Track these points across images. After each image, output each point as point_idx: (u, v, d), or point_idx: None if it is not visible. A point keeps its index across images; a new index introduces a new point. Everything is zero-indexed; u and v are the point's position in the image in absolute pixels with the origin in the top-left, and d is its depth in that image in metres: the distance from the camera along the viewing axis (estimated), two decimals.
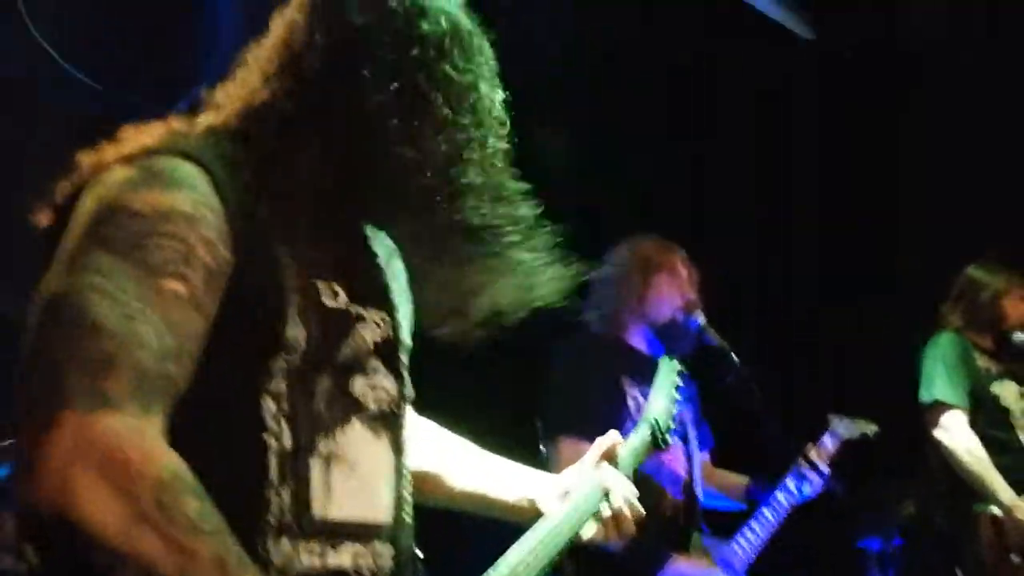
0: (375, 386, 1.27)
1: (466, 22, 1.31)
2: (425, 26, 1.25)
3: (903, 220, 4.95)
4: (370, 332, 1.27)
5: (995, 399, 3.60)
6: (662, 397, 1.84)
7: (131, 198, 1.11)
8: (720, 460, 3.06)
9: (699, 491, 2.78)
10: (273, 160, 1.21)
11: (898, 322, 4.41)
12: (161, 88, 4.87)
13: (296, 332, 1.18)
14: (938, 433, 3.54)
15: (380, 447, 1.27)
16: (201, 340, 1.12)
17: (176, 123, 1.26)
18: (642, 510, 1.60)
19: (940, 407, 3.56)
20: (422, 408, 1.54)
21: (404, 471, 1.32)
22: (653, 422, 1.77)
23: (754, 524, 2.74)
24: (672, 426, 1.81)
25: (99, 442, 0.99)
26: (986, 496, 3.45)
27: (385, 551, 1.26)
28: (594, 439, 2.61)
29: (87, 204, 1.13)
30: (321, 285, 1.23)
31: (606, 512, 1.57)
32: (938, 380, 3.59)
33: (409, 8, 1.26)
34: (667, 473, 2.74)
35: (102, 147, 1.20)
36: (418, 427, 1.56)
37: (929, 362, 3.65)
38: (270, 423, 1.16)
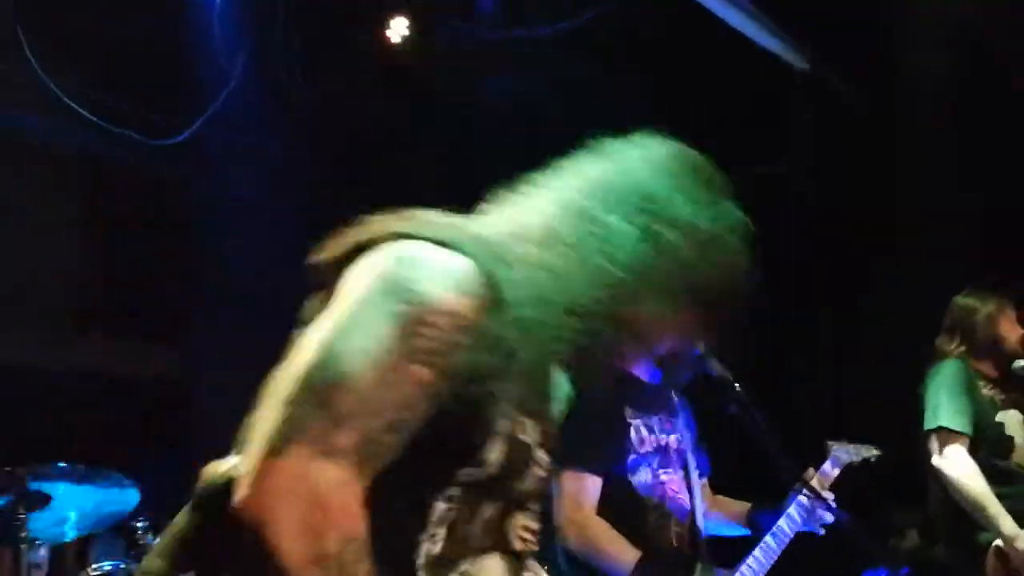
0: (527, 527, 1.36)
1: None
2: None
3: (900, 249, 4.99)
4: (540, 472, 1.37)
5: (999, 428, 3.60)
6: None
7: (428, 290, 1.20)
8: (721, 488, 3.06)
9: (701, 520, 2.77)
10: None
11: (897, 348, 4.43)
12: (163, 127, 4.93)
13: (493, 456, 1.26)
14: (939, 461, 3.53)
15: None
16: (421, 425, 1.20)
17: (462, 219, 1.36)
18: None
19: (943, 434, 3.56)
20: None
21: None
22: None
23: (757, 553, 2.72)
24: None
25: (313, 483, 1.11)
26: (987, 525, 3.43)
27: None
28: (597, 472, 2.66)
29: (380, 265, 1.23)
30: (521, 417, 1.31)
31: None
32: (942, 407, 3.58)
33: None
34: (670, 502, 2.73)
35: (386, 217, 1.31)
36: None
37: (933, 389, 3.64)
38: (432, 526, 1.25)
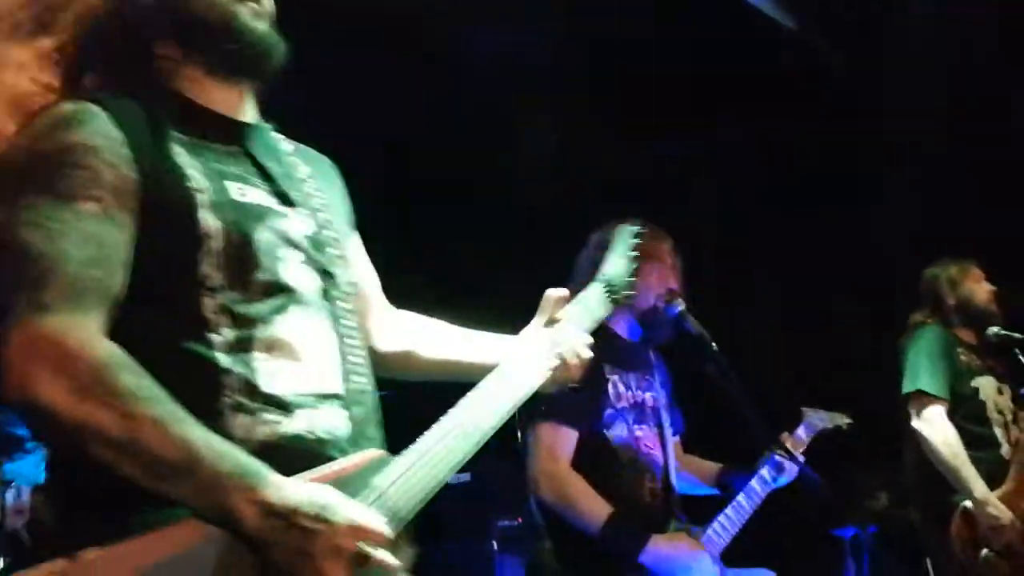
0: (304, 276, 1.45)
1: None
2: None
3: (874, 222, 5.01)
4: (294, 227, 1.47)
5: (975, 393, 3.64)
6: (618, 257, 1.87)
7: (43, 142, 1.34)
8: (696, 447, 3.08)
9: (674, 477, 2.79)
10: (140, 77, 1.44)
11: (870, 316, 4.46)
12: None
13: (209, 223, 1.36)
14: (917, 423, 3.57)
15: (320, 329, 1.44)
16: (124, 249, 1.32)
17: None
18: (588, 354, 1.71)
19: (921, 397, 3.59)
20: None
21: (349, 348, 1.47)
22: (606, 280, 1.81)
23: (729, 511, 2.74)
24: (629, 285, 1.85)
25: (42, 339, 1.23)
26: (960, 488, 3.48)
27: (339, 417, 1.42)
28: (573, 425, 2.67)
29: (14, 153, 1.36)
30: (230, 184, 1.42)
31: (554, 362, 1.68)
32: (921, 371, 3.62)
33: None
34: (645, 457, 2.75)
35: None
36: (397, 315, 1.76)
37: (913, 354, 3.67)
38: (211, 317, 1.35)
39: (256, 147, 1.51)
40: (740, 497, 2.76)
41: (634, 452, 2.73)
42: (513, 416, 2.73)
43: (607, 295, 1.84)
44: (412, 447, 1.43)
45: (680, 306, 2.76)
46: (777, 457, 2.75)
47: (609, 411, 2.73)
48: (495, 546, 4.22)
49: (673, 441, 2.93)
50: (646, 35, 4.62)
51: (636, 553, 2.56)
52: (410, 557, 1.40)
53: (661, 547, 2.58)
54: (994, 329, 3.69)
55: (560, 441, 2.67)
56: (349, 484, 1.35)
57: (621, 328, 2.89)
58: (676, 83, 4.72)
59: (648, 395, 2.82)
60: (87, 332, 1.25)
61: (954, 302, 3.74)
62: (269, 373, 1.36)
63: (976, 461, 3.50)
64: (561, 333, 1.69)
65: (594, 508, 2.61)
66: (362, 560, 1.28)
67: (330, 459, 1.39)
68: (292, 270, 1.43)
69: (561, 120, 4.81)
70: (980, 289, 3.75)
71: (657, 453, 2.76)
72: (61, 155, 1.32)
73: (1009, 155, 4.66)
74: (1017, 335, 3.66)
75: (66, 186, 1.30)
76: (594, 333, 2.79)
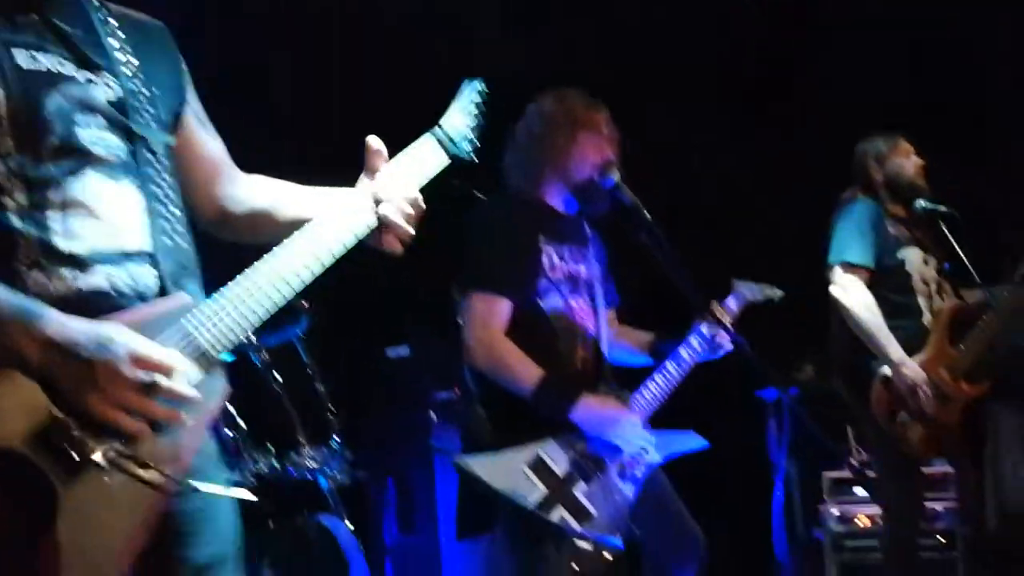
0: (104, 139, 1.48)
1: None
2: None
3: (808, 103, 5.02)
4: (94, 91, 1.49)
5: (900, 264, 3.71)
6: (459, 112, 1.74)
7: None
8: (630, 318, 3.12)
9: (605, 346, 2.83)
10: None
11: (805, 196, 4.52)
12: None
13: None
14: (837, 291, 3.65)
15: (123, 190, 1.49)
16: None
17: None
18: (421, 207, 1.64)
19: (845, 267, 3.66)
20: None
21: (160, 208, 1.52)
22: (442, 133, 1.70)
23: (657, 377, 2.80)
24: (469, 140, 1.73)
25: None
26: (877, 353, 3.58)
27: (146, 273, 1.49)
28: (505, 294, 2.69)
29: None
30: (18, 52, 1.43)
31: (372, 220, 1.62)
32: (847, 242, 3.68)
33: None
34: (578, 327, 2.79)
35: None
36: (245, 179, 1.75)
37: (841, 226, 3.73)
38: (2, 184, 1.39)
39: (58, 14, 1.50)
40: (668, 364, 2.81)
41: (568, 321, 2.77)
42: (450, 289, 2.78)
43: (443, 150, 1.72)
44: (219, 293, 1.49)
45: (615, 176, 2.76)
46: (705, 326, 2.80)
47: (543, 281, 2.75)
48: (433, 416, 4.29)
49: (607, 313, 2.97)
50: None
51: (567, 411, 2.62)
52: (222, 393, 1.47)
53: (592, 406, 2.64)
54: (921, 202, 3.75)
55: (493, 310, 2.69)
56: (151, 326, 1.42)
57: (555, 201, 2.88)
58: None
59: (582, 267, 2.85)
60: None
61: (882, 177, 3.78)
62: (65, 232, 1.41)
63: (898, 329, 3.60)
64: (385, 188, 1.61)
65: (526, 371, 2.65)
66: (149, 389, 1.36)
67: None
68: (89, 134, 1.46)
69: None
70: (908, 163, 3.79)
71: (590, 323, 2.81)
72: None
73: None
74: (942, 208, 3.72)
75: None
76: (529, 205, 2.82)
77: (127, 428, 1.36)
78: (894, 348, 3.55)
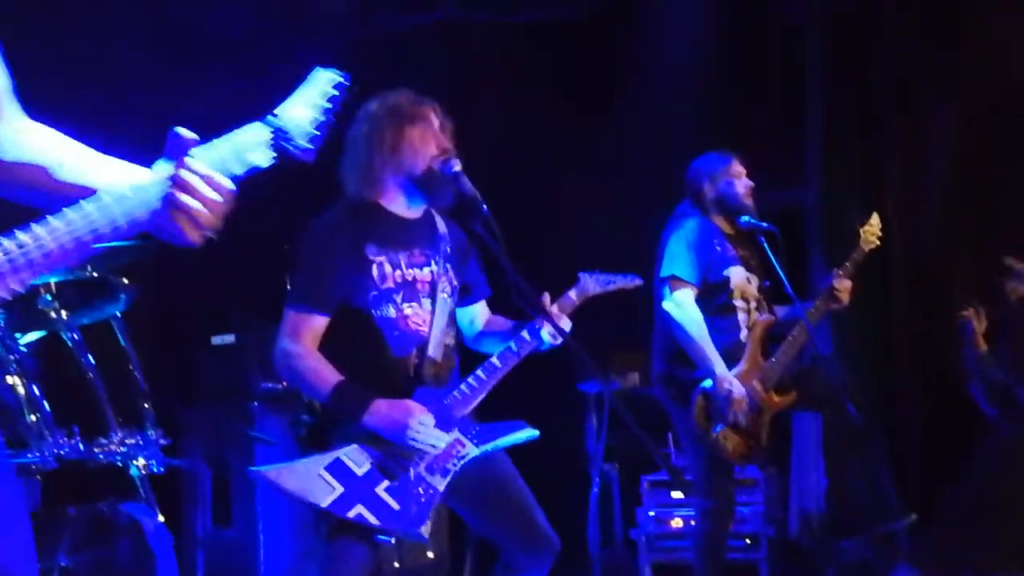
0: None
1: None
2: None
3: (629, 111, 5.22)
4: None
5: (725, 282, 3.86)
6: (302, 103, 1.52)
7: None
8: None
9: (435, 347, 2.80)
10: None
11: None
12: None
13: None
14: (667, 305, 3.78)
15: None
16: None
17: None
18: (217, 197, 1.43)
19: (675, 282, 3.80)
20: None
21: None
22: (275, 122, 1.49)
23: (480, 372, 2.79)
24: (309, 137, 1.51)
25: None
26: (701, 366, 3.74)
27: None
28: (322, 310, 2.68)
29: None
30: None
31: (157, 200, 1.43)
32: (677, 258, 3.81)
33: None
34: (412, 334, 2.78)
35: None
36: (29, 125, 1.58)
37: (673, 241, 3.86)
38: None
39: None
40: (494, 358, 2.81)
41: (400, 331, 2.76)
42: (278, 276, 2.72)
43: (274, 141, 1.50)
44: None
45: (456, 165, 2.75)
46: (536, 321, 2.82)
47: (373, 293, 2.75)
48: (255, 406, 4.18)
49: (477, 306, 3.00)
50: None
51: (358, 416, 2.65)
52: None
53: (380, 409, 2.65)
54: (745, 218, 3.93)
55: (301, 323, 2.73)
56: None
57: (396, 201, 2.85)
58: None
59: (423, 271, 2.82)
60: None
61: (713, 194, 3.94)
62: None
63: (717, 344, 3.76)
64: (186, 171, 1.42)
65: (321, 378, 2.69)
66: None
67: None
68: None
69: None
70: (739, 185, 3.96)
71: (424, 329, 2.79)
72: None
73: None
74: (764, 224, 3.91)
75: None
76: (362, 212, 2.79)
77: None
78: (719, 363, 3.72)
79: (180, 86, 4.31)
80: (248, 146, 1.48)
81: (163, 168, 1.44)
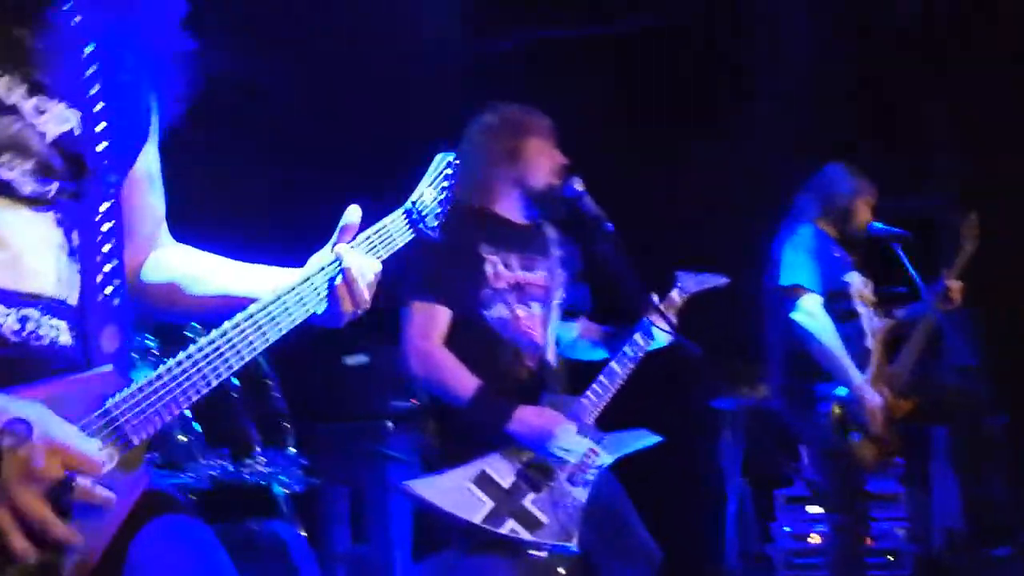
0: (32, 179, 1.33)
1: None
2: None
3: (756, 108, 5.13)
4: (46, 125, 1.34)
5: (844, 288, 3.81)
6: (430, 187, 1.72)
7: None
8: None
9: (551, 354, 2.83)
10: None
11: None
12: None
13: None
14: (798, 316, 3.72)
15: (39, 227, 1.33)
16: None
17: None
18: (369, 280, 1.52)
19: (800, 291, 3.74)
20: None
21: (89, 259, 1.37)
22: (414, 210, 1.66)
23: (602, 378, 2.79)
24: (437, 215, 1.71)
25: None
26: (836, 376, 3.66)
27: (54, 323, 1.32)
28: (444, 302, 2.71)
29: None
30: None
31: (332, 284, 1.50)
32: (799, 267, 3.77)
33: None
34: (523, 336, 2.80)
35: None
36: (173, 247, 1.63)
37: (791, 250, 3.82)
38: None
39: (36, 28, 1.35)
40: (612, 363, 2.80)
41: (511, 331, 2.78)
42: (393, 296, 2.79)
43: (411, 224, 1.65)
44: (160, 368, 1.32)
45: (578, 184, 2.78)
46: (646, 322, 2.82)
47: (486, 291, 2.76)
48: (389, 425, 4.28)
49: (580, 318, 3.01)
50: None
51: (502, 424, 2.62)
52: (137, 493, 1.30)
53: (526, 417, 2.64)
54: (877, 224, 3.88)
55: (431, 318, 2.71)
56: (68, 404, 1.22)
57: (509, 209, 2.89)
58: None
59: (535, 274, 2.85)
60: None
61: (839, 211, 3.89)
62: None
63: (845, 339, 3.69)
64: (349, 256, 1.50)
65: (461, 383, 2.67)
66: (66, 489, 1.17)
67: (39, 366, 1.27)
68: (12, 174, 1.31)
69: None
70: (863, 216, 3.92)
71: (536, 333, 2.81)
72: None
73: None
74: (896, 230, 3.84)
75: None
76: (475, 216, 2.84)
77: (12, 546, 1.15)
78: (855, 372, 3.64)
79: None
80: (393, 232, 1.62)
81: (328, 257, 1.51)
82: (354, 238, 1.54)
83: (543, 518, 2.61)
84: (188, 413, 3.12)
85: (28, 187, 1.32)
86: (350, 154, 4.58)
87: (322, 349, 4.72)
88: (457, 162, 1.76)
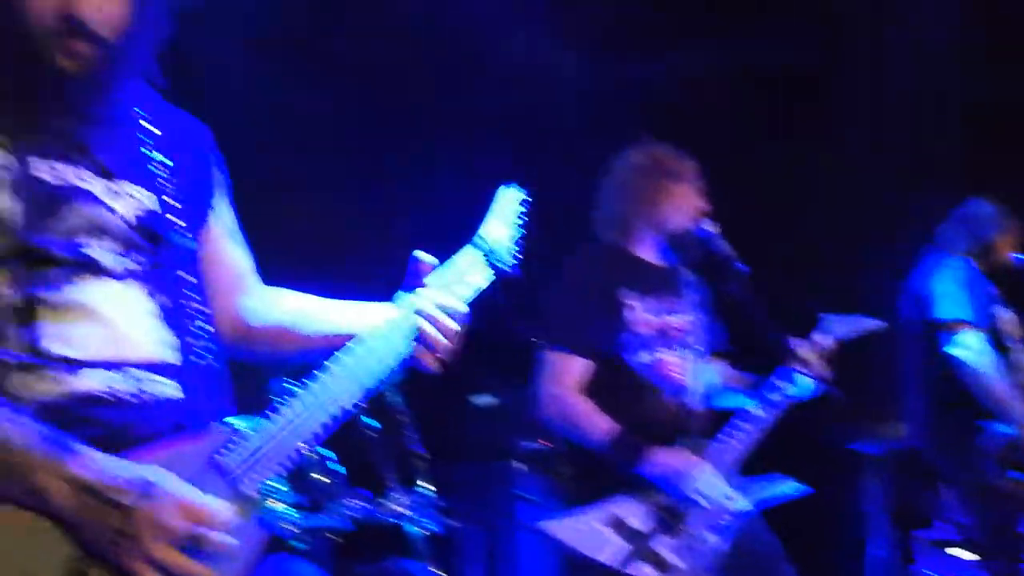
0: (116, 255, 1.41)
1: None
2: None
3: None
4: (120, 205, 1.43)
5: (995, 321, 3.70)
6: (499, 222, 1.67)
7: None
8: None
9: (694, 397, 2.80)
10: None
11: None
12: None
13: (6, 204, 1.34)
14: (958, 351, 3.61)
15: (128, 297, 1.41)
16: None
17: None
18: (455, 326, 1.54)
19: (959, 325, 3.63)
20: None
21: (179, 320, 1.45)
22: (484, 245, 1.62)
23: (740, 422, 2.75)
24: (511, 253, 1.67)
25: None
26: (998, 412, 3.54)
27: (163, 383, 1.40)
28: (582, 352, 2.72)
29: None
30: (35, 161, 1.38)
31: (411, 335, 1.53)
32: (957, 300, 3.67)
33: None
34: (667, 381, 2.78)
35: None
36: (268, 292, 1.70)
37: (943, 282, 3.73)
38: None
39: (88, 116, 1.43)
40: (754, 408, 2.76)
41: (657, 377, 2.76)
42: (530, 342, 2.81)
43: (486, 262, 1.63)
44: (265, 423, 1.39)
45: (712, 228, 2.77)
46: (788, 366, 2.77)
47: (627, 335, 2.75)
48: (520, 466, 4.30)
49: (716, 360, 2.95)
50: None
51: (636, 465, 2.61)
52: (259, 540, 1.36)
53: (660, 459, 2.62)
54: (1022, 256, 3.77)
55: (565, 367, 2.71)
56: (186, 465, 1.31)
57: (645, 251, 2.89)
58: None
59: (675, 318, 2.83)
60: None
61: (984, 245, 3.80)
62: (53, 333, 1.33)
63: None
64: (426, 303, 1.53)
65: (595, 426, 2.66)
66: (195, 542, 1.24)
67: (156, 421, 1.36)
68: (97, 253, 1.40)
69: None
70: (1005, 252, 3.82)
71: (681, 377, 2.78)
72: None
73: None
74: None
75: None
76: (614, 257, 2.85)
77: None
78: (1020, 407, 3.51)
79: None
80: (468, 269, 1.62)
81: (406, 301, 1.54)
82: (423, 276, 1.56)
83: (678, 563, 2.58)
84: (330, 454, 3.22)
85: (111, 262, 1.41)
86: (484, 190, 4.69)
87: (449, 389, 4.80)
88: (528, 203, 1.72)
